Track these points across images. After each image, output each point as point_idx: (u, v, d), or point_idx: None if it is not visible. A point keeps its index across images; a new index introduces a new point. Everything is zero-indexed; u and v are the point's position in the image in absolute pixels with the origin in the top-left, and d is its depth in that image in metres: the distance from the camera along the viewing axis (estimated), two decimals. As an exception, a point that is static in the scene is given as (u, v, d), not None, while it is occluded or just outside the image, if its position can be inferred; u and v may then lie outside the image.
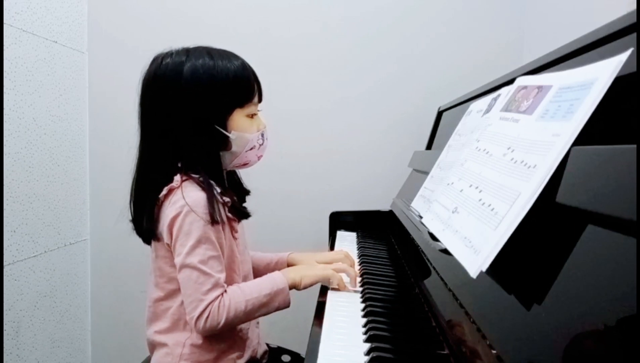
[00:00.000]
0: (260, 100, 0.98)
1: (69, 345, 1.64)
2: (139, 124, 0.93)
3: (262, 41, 1.66)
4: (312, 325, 0.76)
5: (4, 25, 1.29)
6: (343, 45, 1.68)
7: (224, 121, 0.91)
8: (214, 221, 0.86)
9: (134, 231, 0.95)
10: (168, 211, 0.87)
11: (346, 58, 1.69)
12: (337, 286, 0.93)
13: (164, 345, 0.91)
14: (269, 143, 1.00)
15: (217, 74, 0.89)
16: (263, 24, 1.67)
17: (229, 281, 0.92)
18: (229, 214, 0.93)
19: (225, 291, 0.87)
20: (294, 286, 0.92)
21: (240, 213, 0.97)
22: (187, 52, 0.91)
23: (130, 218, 0.95)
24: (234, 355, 0.93)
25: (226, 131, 0.91)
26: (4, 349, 1.32)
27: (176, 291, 0.90)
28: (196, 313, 0.83)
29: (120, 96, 1.67)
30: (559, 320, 0.41)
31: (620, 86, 0.45)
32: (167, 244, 0.88)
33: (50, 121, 1.51)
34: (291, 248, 1.16)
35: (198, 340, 0.89)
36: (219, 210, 0.88)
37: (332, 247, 1.31)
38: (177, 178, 0.88)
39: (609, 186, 0.40)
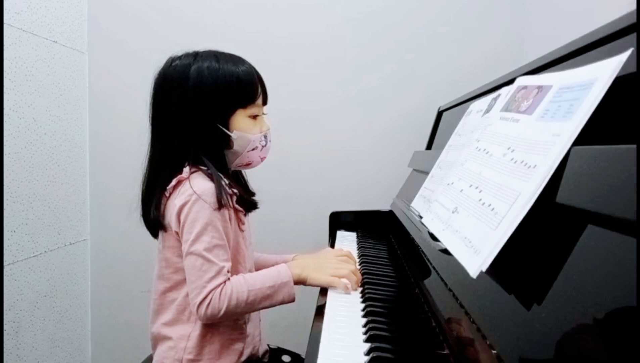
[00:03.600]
0: (265, 103, 1.01)
1: (69, 345, 1.64)
2: (150, 122, 0.96)
3: (262, 41, 1.66)
4: (312, 325, 0.76)
5: (4, 25, 1.29)
6: (343, 45, 1.68)
7: (226, 120, 0.94)
8: (221, 205, 0.88)
9: (143, 225, 0.97)
10: (176, 201, 0.89)
11: (346, 58, 1.69)
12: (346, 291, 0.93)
13: (168, 338, 0.92)
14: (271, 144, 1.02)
15: (222, 76, 0.92)
16: (263, 24, 1.67)
17: (234, 271, 0.93)
18: (237, 206, 0.95)
19: (229, 279, 0.88)
20: (300, 282, 0.93)
21: (248, 204, 0.99)
22: (196, 55, 0.95)
23: (140, 212, 0.98)
24: (236, 350, 0.94)
25: (228, 130, 0.94)
26: (4, 349, 1.32)
27: (182, 282, 0.92)
28: (198, 300, 0.85)
29: (120, 96, 1.67)
30: (559, 320, 0.41)
31: (620, 86, 0.45)
32: (176, 232, 0.90)
33: (50, 121, 1.51)
34: (291, 248, 1.16)
35: (202, 333, 0.90)
36: (227, 198, 0.90)
37: (332, 247, 1.31)
38: (186, 169, 0.91)
39: (609, 186, 0.40)
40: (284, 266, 0.94)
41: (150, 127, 0.97)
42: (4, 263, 1.32)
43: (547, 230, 0.49)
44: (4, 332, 1.32)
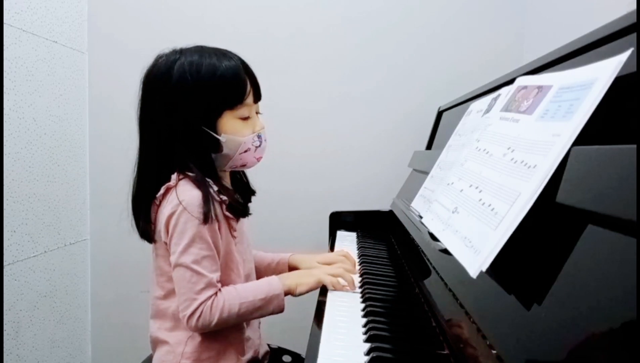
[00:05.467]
0: (257, 100, 0.96)
1: (69, 345, 1.64)
2: (138, 123, 0.93)
3: (262, 41, 1.66)
4: (312, 325, 0.76)
5: (4, 25, 1.29)
6: (343, 45, 1.68)
7: (213, 123, 0.90)
8: (208, 219, 0.85)
9: (137, 232, 0.95)
10: (165, 210, 0.87)
11: (346, 58, 1.69)
12: (334, 288, 0.93)
13: (165, 342, 0.92)
14: (268, 143, 0.98)
15: (204, 74, 0.88)
16: (263, 24, 1.67)
17: (227, 280, 0.91)
18: (227, 213, 0.92)
19: (220, 290, 0.87)
20: (289, 293, 0.92)
21: (238, 211, 0.94)
22: (181, 51, 0.91)
23: (131, 218, 0.95)
24: (236, 354, 0.93)
25: (216, 133, 0.90)
26: (4, 349, 1.32)
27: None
28: (188, 312, 0.84)
29: (120, 96, 1.66)
30: (559, 320, 0.41)
31: (620, 86, 0.45)
32: (165, 242, 0.88)
33: (50, 121, 1.51)
34: (291, 248, 1.16)
35: (200, 339, 0.89)
36: (215, 208, 0.87)
37: (332, 247, 1.31)
38: (174, 176, 0.88)
39: (609, 186, 0.40)
40: (275, 278, 0.93)
41: (138, 129, 0.93)
42: (4, 263, 1.32)
43: (547, 230, 0.49)
44: (4, 332, 1.32)
